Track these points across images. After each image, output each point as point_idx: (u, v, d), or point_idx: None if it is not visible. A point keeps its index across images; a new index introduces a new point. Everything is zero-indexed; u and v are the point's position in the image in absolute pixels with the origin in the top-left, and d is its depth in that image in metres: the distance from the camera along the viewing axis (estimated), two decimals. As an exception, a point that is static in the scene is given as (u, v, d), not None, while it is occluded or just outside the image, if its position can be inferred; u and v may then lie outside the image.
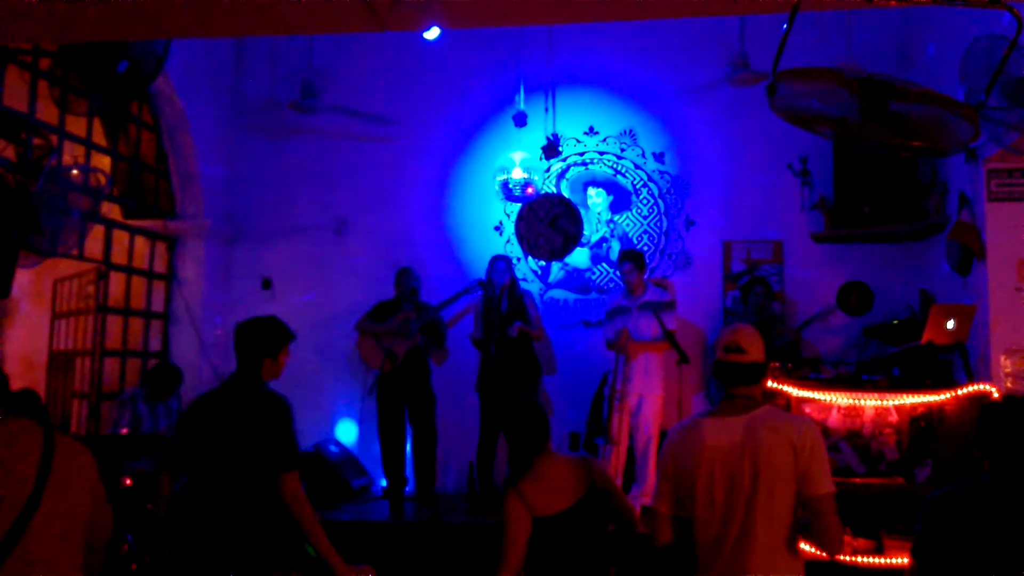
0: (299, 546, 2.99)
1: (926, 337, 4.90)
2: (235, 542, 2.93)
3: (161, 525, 3.13)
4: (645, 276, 5.86)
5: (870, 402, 4.78)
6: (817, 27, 6.01)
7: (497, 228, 6.94)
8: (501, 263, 5.99)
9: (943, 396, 4.68)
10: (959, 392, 4.66)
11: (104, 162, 6.16)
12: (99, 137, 6.17)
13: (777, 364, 5.02)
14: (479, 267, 6.39)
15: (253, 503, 2.96)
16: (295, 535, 2.98)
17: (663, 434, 5.67)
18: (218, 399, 3.16)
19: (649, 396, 5.53)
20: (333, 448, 6.41)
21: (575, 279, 6.83)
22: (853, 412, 4.84)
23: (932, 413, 4.71)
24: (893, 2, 2.49)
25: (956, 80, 4.22)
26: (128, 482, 4.91)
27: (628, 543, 3.15)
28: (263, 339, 3.15)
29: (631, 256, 5.74)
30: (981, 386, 4.67)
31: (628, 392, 5.49)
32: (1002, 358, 4.96)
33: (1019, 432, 2.39)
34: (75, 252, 5.61)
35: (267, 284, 7.11)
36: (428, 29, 3.18)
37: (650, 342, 5.54)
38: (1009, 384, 4.90)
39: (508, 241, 6.83)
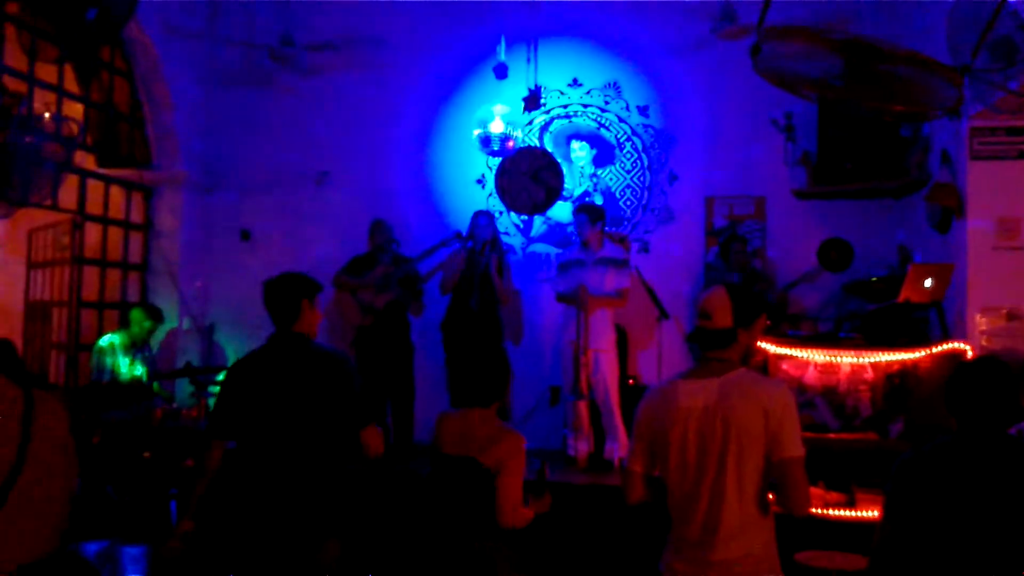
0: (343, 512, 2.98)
1: (903, 295, 4.95)
2: (291, 509, 2.85)
3: (192, 500, 2.96)
4: (606, 230, 5.83)
5: (846, 359, 4.84)
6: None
7: (479, 181, 6.88)
8: (483, 218, 5.94)
9: (918, 354, 4.75)
10: (934, 350, 4.73)
11: (76, 110, 6.02)
12: (71, 84, 6.02)
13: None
14: (460, 220, 6.35)
15: (314, 467, 2.91)
16: (341, 500, 2.97)
17: (633, 390, 5.72)
18: (272, 358, 3.03)
19: (604, 351, 5.54)
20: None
21: (557, 233, 6.81)
22: (829, 369, 4.90)
23: (907, 370, 4.78)
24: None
25: (943, 36, 4.19)
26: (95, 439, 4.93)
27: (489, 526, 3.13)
28: (300, 283, 3.08)
29: (586, 209, 5.71)
30: (956, 344, 4.74)
31: (587, 347, 5.51)
32: (977, 316, 5.01)
33: (986, 393, 2.43)
34: (49, 202, 5.52)
35: (246, 235, 7.03)
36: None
37: (606, 297, 5.54)
38: (984, 342, 4.96)
39: (490, 195, 6.77)
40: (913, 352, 4.75)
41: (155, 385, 5.65)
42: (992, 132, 5.05)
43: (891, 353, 4.77)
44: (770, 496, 2.45)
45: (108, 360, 5.76)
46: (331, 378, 2.98)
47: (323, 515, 2.93)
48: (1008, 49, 3.88)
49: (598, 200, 6.68)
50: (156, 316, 5.99)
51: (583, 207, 5.78)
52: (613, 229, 6.51)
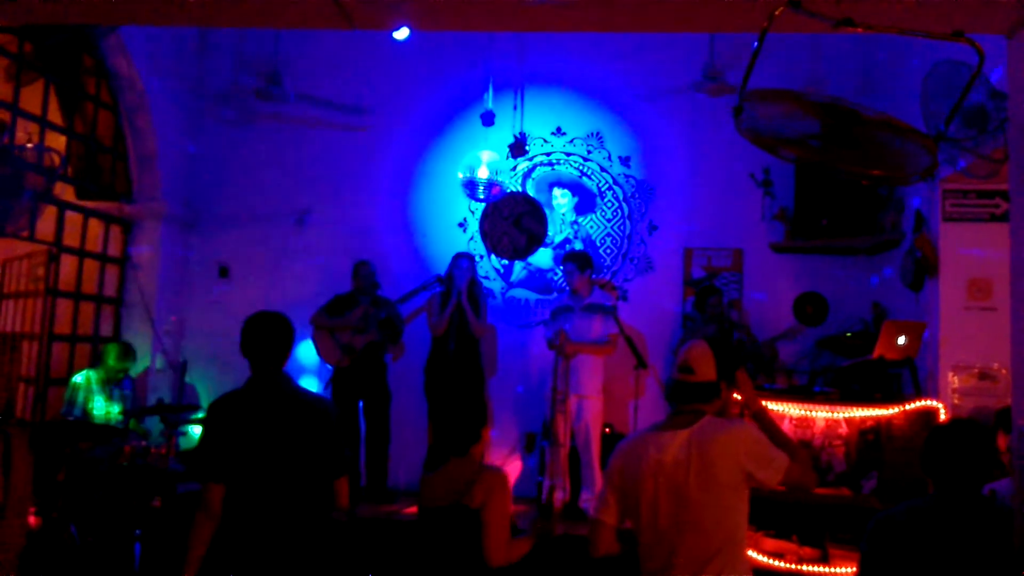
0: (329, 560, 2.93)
1: (877, 351, 5.01)
2: (283, 556, 2.81)
3: (197, 546, 2.82)
4: (593, 277, 5.88)
5: (821, 414, 4.87)
6: (784, 48, 6.09)
7: (461, 225, 6.92)
8: (464, 261, 5.96)
9: (891, 410, 4.78)
10: (907, 407, 4.77)
11: (59, 141, 6.00)
12: (55, 115, 6.01)
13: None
14: (441, 262, 6.36)
15: (302, 514, 2.87)
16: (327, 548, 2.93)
17: (608, 438, 5.70)
18: (263, 399, 2.93)
19: (588, 398, 5.53)
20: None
21: (537, 279, 6.84)
22: (804, 423, 4.92)
23: (880, 427, 4.81)
24: (860, 29, 2.53)
25: (916, 100, 4.30)
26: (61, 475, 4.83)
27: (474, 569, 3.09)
28: (291, 337, 3.02)
29: (573, 258, 5.76)
30: (928, 402, 4.79)
31: (568, 394, 5.50)
32: (950, 375, 5.08)
33: (961, 456, 2.46)
34: (25, 233, 5.47)
35: (224, 272, 6.99)
36: (397, 29, 3.14)
37: (588, 344, 5.55)
38: (956, 400, 5.02)
39: (472, 238, 6.81)
40: (887, 408, 4.79)
41: (132, 422, 5.55)
42: (964, 195, 5.17)
43: (865, 409, 4.81)
44: (753, 552, 2.45)
45: (81, 396, 5.66)
46: (319, 425, 2.93)
47: (311, 563, 2.88)
48: (980, 116, 3.99)
49: (578, 247, 6.72)
50: (129, 355, 5.90)
51: (570, 255, 5.81)
52: (594, 276, 6.56)
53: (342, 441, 3.05)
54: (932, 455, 2.49)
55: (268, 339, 2.94)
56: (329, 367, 6.00)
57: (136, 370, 6.35)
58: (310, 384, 6.82)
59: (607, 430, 5.87)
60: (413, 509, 5.56)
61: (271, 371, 2.94)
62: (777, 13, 2.38)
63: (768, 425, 2.56)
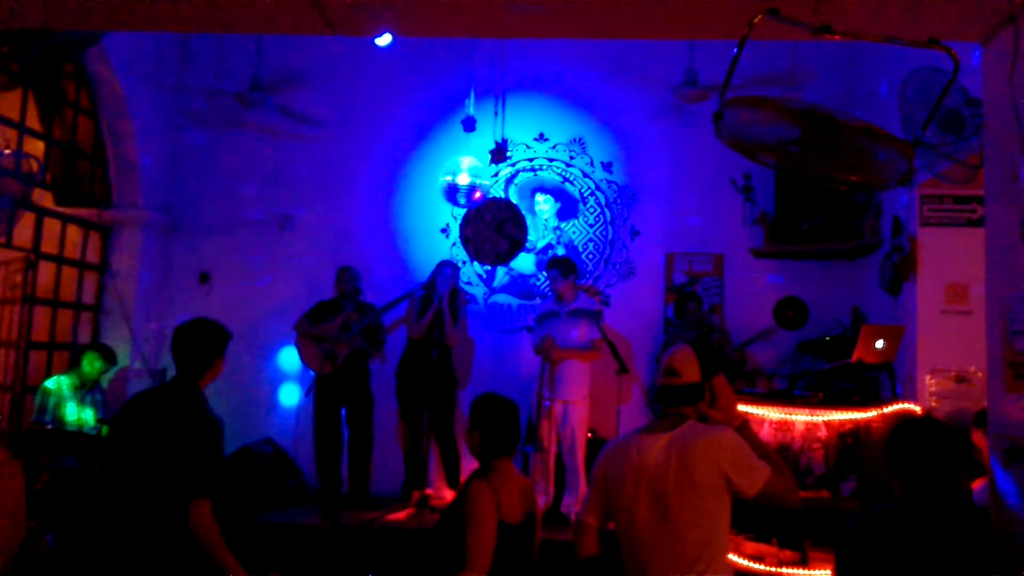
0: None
1: (856, 355, 5.05)
2: (139, 556, 2.76)
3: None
4: (578, 282, 5.89)
5: (801, 417, 4.90)
6: (764, 55, 6.15)
7: (443, 230, 6.92)
8: (448, 269, 5.96)
9: (870, 414, 4.82)
10: (885, 410, 4.81)
11: (38, 147, 5.95)
12: (33, 121, 5.96)
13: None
14: (424, 268, 6.36)
15: (163, 519, 2.77)
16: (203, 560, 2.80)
17: (591, 443, 5.72)
18: (152, 402, 2.96)
19: (574, 404, 5.55)
20: (267, 448, 6.30)
21: (520, 284, 6.85)
22: (784, 426, 4.95)
23: (859, 430, 4.84)
24: (837, 37, 2.57)
25: (895, 107, 4.35)
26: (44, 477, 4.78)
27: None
28: (213, 340, 3.00)
29: (557, 263, 5.77)
30: (906, 405, 4.84)
31: (554, 399, 5.50)
32: (927, 378, 5.14)
33: (927, 453, 2.42)
34: (2, 240, 5.41)
35: (205, 278, 6.94)
36: (380, 35, 3.15)
37: (575, 349, 5.56)
38: (933, 403, 5.08)
39: (454, 244, 6.81)
40: (865, 412, 4.82)
41: (104, 429, 5.49)
42: (941, 200, 5.24)
43: (844, 412, 4.84)
44: (733, 556, 2.46)
45: (52, 402, 5.59)
46: (187, 439, 2.83)
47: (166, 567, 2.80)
48: (956, 122, 4.04)
49: (560, 253, 6.74)
50: (109, 358, 5.85)
51: (554, 261, 5.82)
52: (578, 281, 6.58)
53: (211, 464, 2.84)
54: (897, 453, 2.47)
55: (183, 345, 2.97)
56: (312, 373, 5.97)
57: (114, 375, 6.29)
58: (291, 391, 6.79)
59: (590, 435, 5.89)
60: (397, 516, 5.58)
61: (180, 377, 2.96)
62: (756, 20, 2.40)
63: (751, 437, 2.56)
